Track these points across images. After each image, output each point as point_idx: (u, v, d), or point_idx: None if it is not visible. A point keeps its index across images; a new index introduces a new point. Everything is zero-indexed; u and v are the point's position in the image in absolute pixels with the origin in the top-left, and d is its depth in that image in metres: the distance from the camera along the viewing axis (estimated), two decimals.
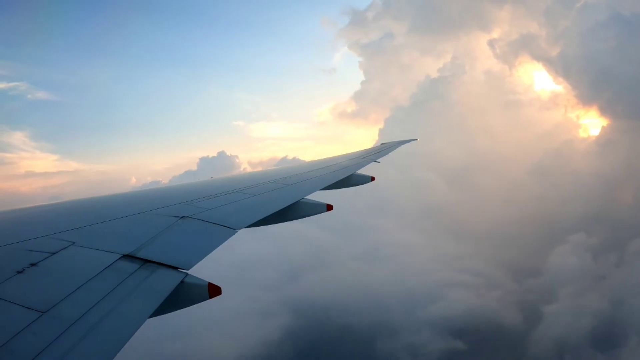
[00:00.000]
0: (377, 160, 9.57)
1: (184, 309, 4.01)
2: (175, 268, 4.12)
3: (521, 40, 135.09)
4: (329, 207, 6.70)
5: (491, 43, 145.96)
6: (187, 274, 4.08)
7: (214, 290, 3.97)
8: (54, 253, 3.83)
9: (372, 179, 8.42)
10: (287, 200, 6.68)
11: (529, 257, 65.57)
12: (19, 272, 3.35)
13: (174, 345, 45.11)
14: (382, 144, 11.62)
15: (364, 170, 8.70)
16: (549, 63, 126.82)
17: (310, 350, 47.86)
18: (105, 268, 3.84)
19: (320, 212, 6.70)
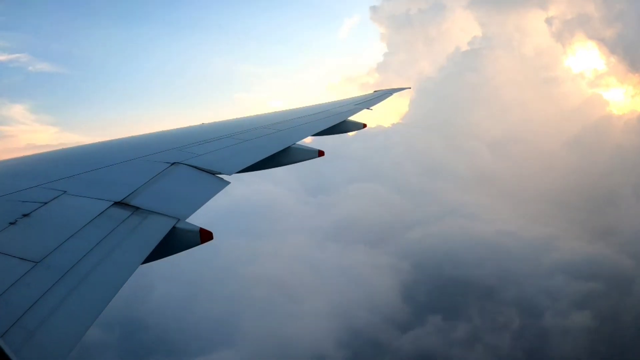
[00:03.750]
0: (370, 108, 9.53)
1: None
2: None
3: (578, 20, 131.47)
4: (321, 153, 6.72)
5: (549, 20, 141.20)
6: (178, 219, 4.15)
7: (206, 236, 4.05)
8: (45, 203, 3.87)
9: (364, 126, 8.43)
10: (278, 145, 6.69)
11: (599, 217, 66.01)
12: (11, 224, 3.40)
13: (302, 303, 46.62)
14: (375, 91, 11.52)
15: (357, 118, 8.70)
16: (604, 42, 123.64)
17: (430, 303, 48.86)
18: (97, 216, 3.90)
19: (312, 158, 6.73)
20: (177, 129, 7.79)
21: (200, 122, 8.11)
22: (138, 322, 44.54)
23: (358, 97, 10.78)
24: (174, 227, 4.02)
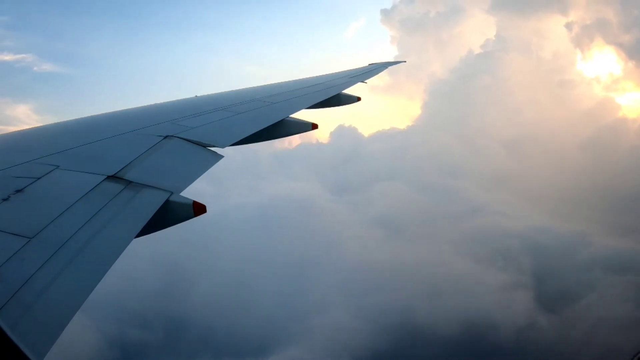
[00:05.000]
0: (365, 81, 9.48)
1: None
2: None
3: (597, 25, 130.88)
4: (314, 126, 6.72)
5: (568, 25, 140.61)
6: (171, 192, 4.17)
7: (199, 209, 4.07)
8: (38, 178, 3.86)
9: (358, 99, 8.41)
10: (272, 118, 6.66)
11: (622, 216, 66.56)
12: (4, 200, 3.40)
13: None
14: (369, 64, 11.46)
15: (351, 91, 8.66)
16: (623, 47, 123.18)
17: None
18: (91, 190, 3.90)
19: (306, 131, 6.73)
20: (170, 102, 7.71)
21: (194, 95, 8.04)
22: (182, 320, 42.88)
23: (353, 69, 10.70)
24: (167, 201, 4.04)
